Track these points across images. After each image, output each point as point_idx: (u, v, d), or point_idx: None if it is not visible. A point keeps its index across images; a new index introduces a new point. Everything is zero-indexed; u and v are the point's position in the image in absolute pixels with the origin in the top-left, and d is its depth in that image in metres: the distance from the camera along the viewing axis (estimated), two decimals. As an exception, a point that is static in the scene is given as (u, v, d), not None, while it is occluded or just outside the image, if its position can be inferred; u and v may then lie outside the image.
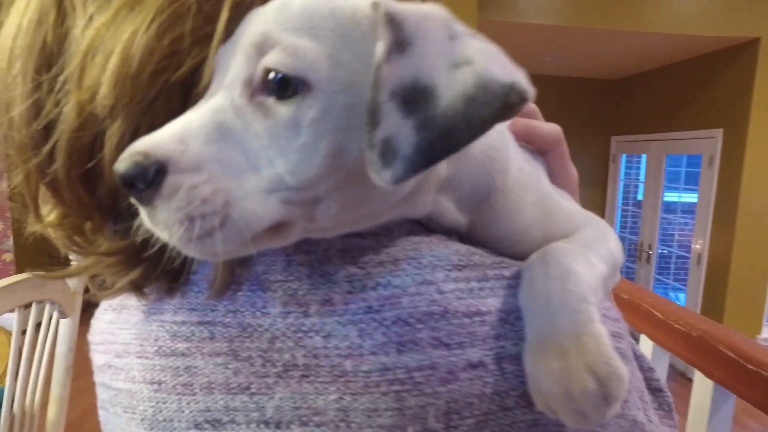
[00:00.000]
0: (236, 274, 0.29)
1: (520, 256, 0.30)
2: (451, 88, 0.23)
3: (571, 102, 4.46)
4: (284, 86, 0.24)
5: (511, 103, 0.23)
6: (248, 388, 0.27)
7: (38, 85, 0.28)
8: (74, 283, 1.04)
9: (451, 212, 0.30)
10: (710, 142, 3.39)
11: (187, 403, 0.28)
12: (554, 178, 0.37)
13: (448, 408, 0.25)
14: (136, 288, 0.30)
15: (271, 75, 0.24)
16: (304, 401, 0.26)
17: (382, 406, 0.25)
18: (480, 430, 0.25)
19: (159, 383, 0.29)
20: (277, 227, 0.25)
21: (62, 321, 1.06)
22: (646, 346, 0.89)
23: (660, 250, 4.06)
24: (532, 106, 0.38)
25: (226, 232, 0.23)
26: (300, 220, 0.25)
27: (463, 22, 0.26)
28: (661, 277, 4.21)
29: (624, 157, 4.45)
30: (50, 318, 1.04)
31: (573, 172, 0.39)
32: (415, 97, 0.23)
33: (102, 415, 0.35)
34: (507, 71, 0.24)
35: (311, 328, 0.26)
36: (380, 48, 0.23)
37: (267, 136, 0.24)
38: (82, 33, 0.27)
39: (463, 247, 0.29)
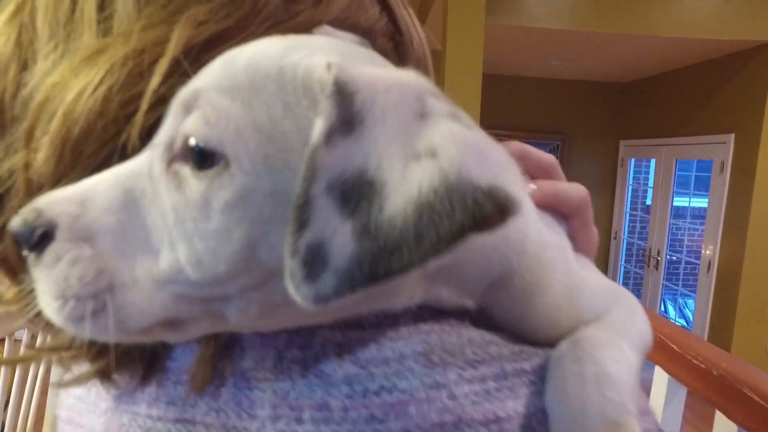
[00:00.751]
0: (218, 368, 0.25)
1: (543, 341, 0.27)
2: (402, 188, 0.17)
3: (579, 106, 4.40)
4: (203, 156, 0.19)
5: (484, 215, 0.17)
6: None
7: None
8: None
9: (454, 299, 0.26)
10: (722, 147, 3.33)
11: None
12: (574, 241, 0.33)
13: None
14: (104, 376, 0.27)
15: (191, 141, 0.20)
16: None
17: None
18: None
19: None
20: (171, 323, 0.21)
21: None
22: (660, 379, 0.85)
23: (669, 256, 4.00)
24: (551, 160, 0.34)
25: (99, 322, 0.20)
26: (202, 318, 0.21)
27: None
28: (669, 284, 4.15)
29: (632, 161, 4.39)
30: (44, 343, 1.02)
31: (595, 234, 0.35)
32: (358, 194, 0.17)
33: None
34: (488, 170, 0.18)
35: None
36: (319, 126, 0.18)
37: (173, 214, 0.20)
38: (37, 85, 0.24)
39: (477, 336, 0.25)
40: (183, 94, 0.21)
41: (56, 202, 0.21)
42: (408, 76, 0.20)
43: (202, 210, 0.19)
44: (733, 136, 3.25)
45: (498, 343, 0.26)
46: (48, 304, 0.20)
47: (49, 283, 0.20)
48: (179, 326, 0.22)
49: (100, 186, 0.21)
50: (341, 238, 0.17)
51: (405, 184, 0.17)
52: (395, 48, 0.32)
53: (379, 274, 0.17)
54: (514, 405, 0.23)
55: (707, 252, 3.47)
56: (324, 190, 0.17)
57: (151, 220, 0.21)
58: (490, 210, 0.17)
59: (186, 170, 0.20)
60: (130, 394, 0.27)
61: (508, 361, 0.25)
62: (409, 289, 0.24)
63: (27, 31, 0.26)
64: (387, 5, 0.32)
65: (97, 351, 0.26)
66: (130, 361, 0.26)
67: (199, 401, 0.25)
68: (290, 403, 0.23)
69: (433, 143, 0.18)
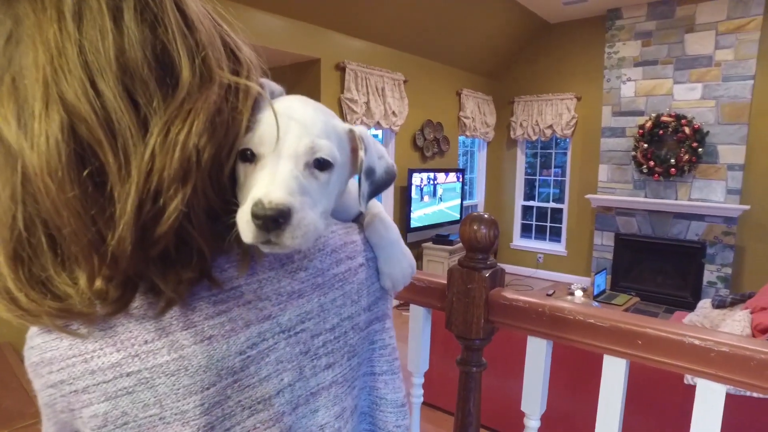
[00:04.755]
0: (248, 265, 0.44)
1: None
2: (380, 169, 0.51)
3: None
4: (323, 164, 0.43)
5: (394, 176, 0.53)
6: (269, 315, 0.44)
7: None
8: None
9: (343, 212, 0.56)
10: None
11: (233, 342, 0.42)
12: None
13: (359, 286, 0.51)
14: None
15: (320, 158, 0.43)
16: (301, 309, 0.46)
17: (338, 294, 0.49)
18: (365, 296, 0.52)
19: (210, 338, 0.41)
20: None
21: None
22: None
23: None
24: None
25: (316, 233, 0.42)
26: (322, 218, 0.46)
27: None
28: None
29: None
30: None
31: None
32: (370, 173, 0.50)
33: (115, 412, 0.40)
34: (392, 162, 0.53)
35: (299, 268, 0.47)
36: (362, 153, 0.48)
37: (317, 189, 0.43)
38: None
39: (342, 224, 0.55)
40: (306, 142, 0.42)
41: (283, 196, 0.39)
42: (364, 128, 0.50)
43: (325, 186, 0.44)
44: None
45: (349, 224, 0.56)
46: (295, 242, 0.39)
47: (297, 231, 0.39)
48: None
49: (289, 183, 0.40)
50: (366, 187, 0.49)
51: (378, 168, 0.51)
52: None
53: (374, 194, 0.51)
54: (358, 237, 0.54)
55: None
56: (364, 173, 0.49)
57: (311, 193, 0.42)
58: (394, 175, 0.53)
59: (317, 171, 0.43)
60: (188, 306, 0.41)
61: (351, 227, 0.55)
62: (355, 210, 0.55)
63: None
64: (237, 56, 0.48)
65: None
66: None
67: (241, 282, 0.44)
68: (287, 266, 0.46)
69: (381, 152, 0.52)
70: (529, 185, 6.22)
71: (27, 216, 0.36)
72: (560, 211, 5.92)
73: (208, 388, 0.41)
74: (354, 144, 0.49)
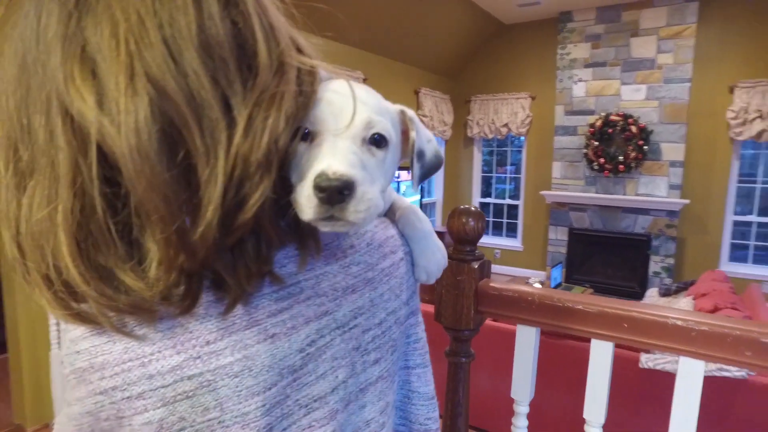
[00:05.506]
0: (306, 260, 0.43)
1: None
2: (428, 152, 0.50)
3: None
4: (379, 142, 0.42)
5: (441, 161, 0.52)
6: (326, 311, 0.42)
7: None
8: None
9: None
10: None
11: (295, 339, 0.40)
12: None
13: (400, 281, 0.50)
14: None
15: (377, 135, 0.42)
16: (354, 304, 0.44)
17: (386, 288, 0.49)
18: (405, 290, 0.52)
19: (273, 336, 0.39)
20: None
21: None
22: None
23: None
24: None
25: (377, 210, 0.40)
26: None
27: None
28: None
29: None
30: None
31: None
32: (420, 155, 0.49)
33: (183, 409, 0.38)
34: (439, 147, 0.52)
35: (351, 263, 0.46)
36: (414, 135, 0.48)
37: (375, 166, 0.42)
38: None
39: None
40: (364, 117, 0.41)
41: (346, 170, 0.37)
42: (411, 111, 0.50)
43: (382, 164, 0.43)
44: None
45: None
46: (358, 216, 0.38)
47: (361, 204, 0.37)
48: None
49: (351, 159, 0.39)
50: (417, 169, 0.49)
51: (428, 151, 0.50)
52: None
53: (424, 178, 0.50)
54: (394, 232, 0.53)
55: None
56: (416, 155, 0.49)
57: (368, 169, 0.40)
58: (440, 161, 0.52)
59: (374, 148, 0.42)
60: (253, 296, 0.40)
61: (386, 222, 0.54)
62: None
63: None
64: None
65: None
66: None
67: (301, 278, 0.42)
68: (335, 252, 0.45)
69: (429, 137, 0.51)
70: (486, 182, 6.39)
71: (94, 203, 0.33)
72: (516, 207, 6.11)
73: (270, 388, 0.39)
74: (404, 126, 0.49)
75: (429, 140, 0.50)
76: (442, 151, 0.52)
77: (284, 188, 0.39)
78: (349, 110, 0.41)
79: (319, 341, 0.42)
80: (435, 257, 0.54)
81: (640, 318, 0.84)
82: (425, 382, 0.56)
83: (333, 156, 0.38)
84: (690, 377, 0.82)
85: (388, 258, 0.49)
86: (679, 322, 0.81)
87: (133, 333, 0.37)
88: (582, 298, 0.91)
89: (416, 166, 0.49)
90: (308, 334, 0.41)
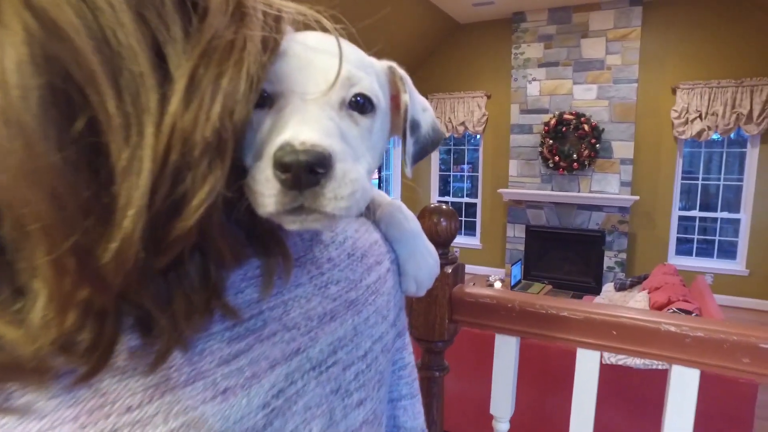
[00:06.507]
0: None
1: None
2: (425, 124, 0.39)
3: None
4: (363, 107, 0.32)
5: (441, 136, 0.42)
6: (298, 349, 0.31)
7: None
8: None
9: None
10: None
11: (256, 392, 0.29)
12: None
13: (388, 298, 0.39)
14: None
15: (360, 96, 0.32)
16: (333, 336, 0.33)
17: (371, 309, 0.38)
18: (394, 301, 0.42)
19: (225, 392, 0.28)
20: None
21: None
22: None
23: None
24: None
25: (364, 197, 0.30)
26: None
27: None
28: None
29: None
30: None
31: None
32: (414, 126, 0.38)
33: None
34: (436, 120, 0.42)
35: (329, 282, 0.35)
36: (407, 98, 0.37)
37: (359, 138, 0.32)
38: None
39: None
40: (344, 73, 0.31)
41: (320, 139, 0.27)
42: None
43: (368, 136, 0.33)
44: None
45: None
46: (339, 201, 0.28)
47: (342, 186, 0.28)
48: None
49: (326, 126, 0.28)
50: (410, 145, 0.38)
51: (424, 123, 0.39)
52: None
53: (420, 157, 0.39)
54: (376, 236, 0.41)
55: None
56: (409, 126, 0.37)
57: (350, 141, 0.30)
58: (440, 136, 0.41)
59: (356, 114, 0.32)
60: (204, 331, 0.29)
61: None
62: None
63: None
64: None
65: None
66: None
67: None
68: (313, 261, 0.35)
69: (424, 104, 0.40)
70: (443, 181, 6.38)
71: None
72: (474, 205, 6.14)
73: None
74: (394, 90, 0.37)
75: (425, 109, 0.40)
76: (440, 126, 0.42)
77: (237, 177, 0.27)
78: (323, 65, 0.30)
79: (288, 390, 0.31)
80: (426, 263, 0.43)
81: (631, 324, 0.77)
82: (413, 416, 0.45)
83: (301, 123, 0.27)
84: (684, 388, 0.76)
85: (373, 271, 0.38)
86: (672, 328, 0.74)
87: (9, 406, 0.24)
88: (567, 304, 0.83)
89: (409, 141, 0.38)
90: (274, 382, 0.30)
